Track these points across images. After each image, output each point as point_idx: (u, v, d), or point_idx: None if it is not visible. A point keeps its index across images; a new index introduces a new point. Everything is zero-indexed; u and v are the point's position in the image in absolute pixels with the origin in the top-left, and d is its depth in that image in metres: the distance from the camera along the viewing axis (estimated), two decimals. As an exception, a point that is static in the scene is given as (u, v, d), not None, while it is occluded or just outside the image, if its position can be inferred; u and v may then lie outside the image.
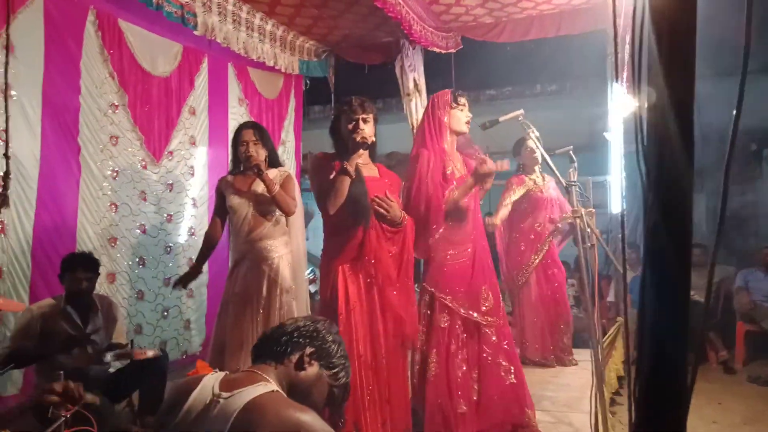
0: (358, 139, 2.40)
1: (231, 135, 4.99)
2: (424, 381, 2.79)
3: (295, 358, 1.43)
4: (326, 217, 2.51)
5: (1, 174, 3.13)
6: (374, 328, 2.48)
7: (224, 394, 1.29)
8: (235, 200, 3.14)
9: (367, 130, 2.49)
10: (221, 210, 3.25)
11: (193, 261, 4.53)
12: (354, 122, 2.48)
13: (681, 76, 0.79)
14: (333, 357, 1.48)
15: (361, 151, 2.51)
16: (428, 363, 2.78)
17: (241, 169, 3.19)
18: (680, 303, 0.77)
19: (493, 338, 2.83)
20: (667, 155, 0.77)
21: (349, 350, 2.37)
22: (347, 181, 2.39)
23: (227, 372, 1.41)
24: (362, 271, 2.49)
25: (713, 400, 4.49)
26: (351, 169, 2.40)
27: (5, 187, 3.00)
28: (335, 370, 1.48)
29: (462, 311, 2.78)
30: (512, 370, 2.83)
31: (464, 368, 2.77)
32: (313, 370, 1.44)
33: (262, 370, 1.40)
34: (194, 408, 1.30)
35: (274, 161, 3.22)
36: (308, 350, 1.45)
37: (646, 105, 0.82)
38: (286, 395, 1.36)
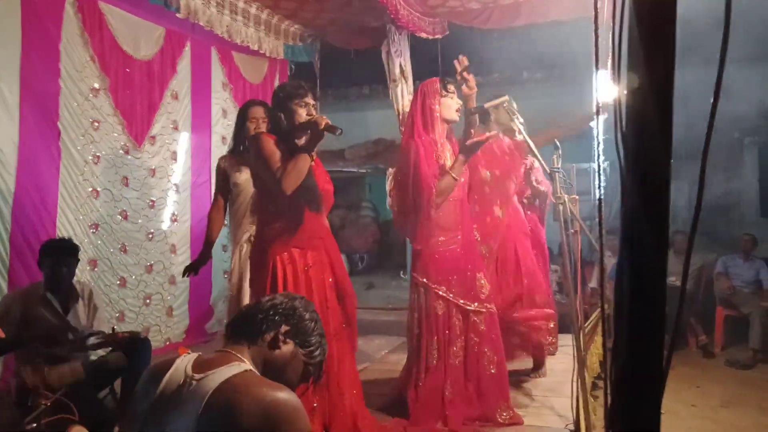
0: (323, 125, 2.33)
1: (214, 120, 4.99)
2: (419, 368, 2.81)
3: (269, 336, 1.41)
4: (267, 201, 2.47)
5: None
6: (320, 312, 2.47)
7: (197, 376, 1.28)
8: (241, 177, 3.09)
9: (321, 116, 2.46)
10: (223, 190, 3.18)
11: (176, 247, 4.54)
12: (307, 107, 2.44)
13: (661, 62, 0.78)
14: (309, 335, 1.47)
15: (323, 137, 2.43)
16: (422, 351, 2.81)
17: (242, 147, 3.11)
18: (657, 287, 0.78)
19: (482, 327, 2.86)
20: (645, 140, 0.77)
21: None
22: (308, 162, 2.35)
23: (200, 353, 1.40)
24: (301, 258, 2.47)
25: (692, 383, 4.59)
26: (314, 152, 2.39)
27: None
28: (311, 348, 1.47)
29: (458, 301, 2.81)
30: (495, 360, 2.86)
31: (456, 356, 2.80)
32: (288, 348, 1.43)
33: (236, 350, 1.38)
34: (167, 390, 1.29)
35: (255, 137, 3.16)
36: (283, 328, 1.44)
37: (625, 91, 0.81)
38: (260, 374, 1.36)
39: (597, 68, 1.04)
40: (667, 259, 0.79)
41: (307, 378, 1.49)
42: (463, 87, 2.92)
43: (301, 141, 2.44)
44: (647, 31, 0.78)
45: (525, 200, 3.83)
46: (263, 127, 2.98)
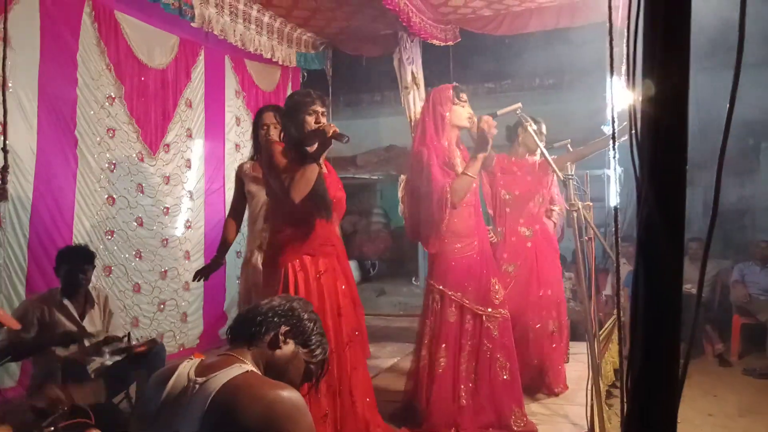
0: (331, 133, 2.33)
1: (227, 128, 5.04)
2: (432, 375, 2.81)
3: (269, 337, 1.42)
4: (279, 209, 2.48)
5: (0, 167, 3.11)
6: (330, 323, 2.45)
7: (200, 379, 1.30)
8: (253, 186, 3.09)
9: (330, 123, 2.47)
10: (240, 197, 3.19)
11: (190, 254, 4.58)
12: (316, 114, 2.44)
13: (676, 68, 0.78)
14: (309, 334, 1.48)
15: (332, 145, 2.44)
16: (437, 358, 2.80)
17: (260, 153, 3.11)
18: (673, 295, 0.77)
19: (495, 333, 2.85)
20: (660, 147, 0.77)
21: None
22: (317, 171, 2.36)
23: (203, 357, 1.41)
24: (313, 265, 2.47)
25: (709, 392, 4.52)
26: (323, 161, 2.40)
27: (4, 181, 2.98)
28: (311, 347, 1.48)
29: (474, 307, 2.81)
30: (508, 367, 2.85)
31: (469, 362, 2.80)
32: (288, 348, 1.44)
33: (238, 352, 1.40)
34: (172, 395, 1.31)
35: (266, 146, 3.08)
36: (283, 329, 1.45)
37: (640, 98, 0.81)
38: (262, 375, 1.37)
39: (612, 75, 1.04)
40: (683, 266, 0.78)
41: (309, 377, 1.50)
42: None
43: (312, 149, 2.46)
44: (661, 37, 0.78)
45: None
46: (274, 133, 2.98)
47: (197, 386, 1.29)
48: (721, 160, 0.78)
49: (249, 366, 1.35)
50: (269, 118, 3.07)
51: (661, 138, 0.77)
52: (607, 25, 1.09)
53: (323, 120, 2.47)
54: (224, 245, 3.21)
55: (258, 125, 3.12)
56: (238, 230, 3.26)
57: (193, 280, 3.27)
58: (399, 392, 3.26)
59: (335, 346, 2.50)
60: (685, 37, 0.77)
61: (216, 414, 1.22)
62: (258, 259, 3.06)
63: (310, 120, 2.44)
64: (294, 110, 2.48)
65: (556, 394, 3.39)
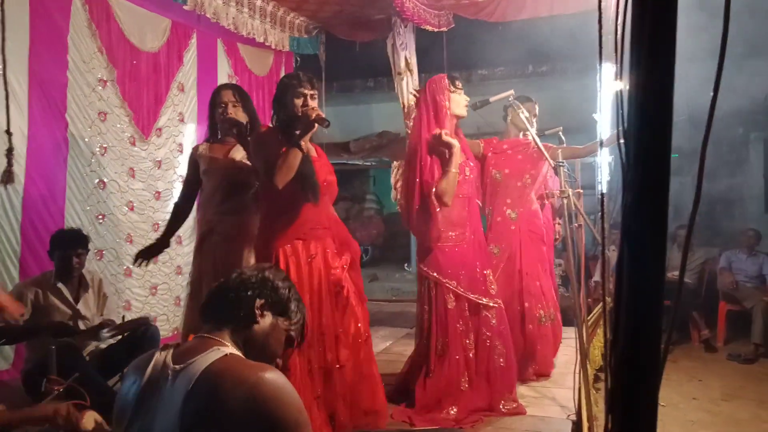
0: (313, 116, 2.34)
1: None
2: (429, 361, 2.86)
3: (246, 313, 1.36)
4: (269, 194, 2.47)
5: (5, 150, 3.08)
6: (323, 306, 2.48)
7: (177, 366, 1.25)
8: (209, 168, 2.88)
9: (314, 106, 2.45)
10: (194, 180, 2.97)
11: (182, 238, 4.58)
12: (303, 98, 2.43)
13: (662, 55, 0.80)
14: (285, 302, 1.42)
15: (316, 128, 2.42)
16: (435, 343, 2.85)
17: (218, 135, 2.94)
18: (656, 279, 0.80)
19: (493, 322, 2.90)
20: (646, 134, 0.79)
21: None
22: (299, 156, 2.34)
23: (178, 343, 1.37)
24: (304, 250, 2.48)
25: (694, 377, 4.61)
26: (305, 145, 2.37)
27: (9, 163, 2.95)
28: (290, 315, 1.43)
29: (468, 295, 2.84)
30: (505, 353, 2.91)
31: (468, 349, 2.84)
32: (266, 320, 1.39)
33: (214, 333, 1.34)
34: (150, 385, 1.27)
35: (256, 129, 2.85)
36: (258, 302, 1.38)
37: (628, 85, 0.83)
38: (242, 353, 1.32)
39: (601, 62, 1.06)
40: (666, 250, 0.81)
41: (291, 344, 1.46)
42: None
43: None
44: (649, 25, 0.80)
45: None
46: (233, 112, 2.80)
47: (176, 374, 1.24)
48: (704, 149, 0.81)
49: (228, 348, 1.29)
50: (227, 95, 2.85)
51: (647, 125, 0.79)
52: (598, 12, 1.10)
53: (311, 102, 2.45)
54: (172, 227, 3.02)
55: (215, 104, 2.89)
56: (188, 212, 3.09)
57: (135, 262, 2.99)
58: (391, 375, 3.31)
59: (333, 324, 2.52)
60: (672, 26, 0.79)
61: (197, 401, 1.18)
62: (209, 244, 2.83)
63: (298, 102, 2.43)
64: (282, 93, 2.49)
65: (547, 377, 3.44)
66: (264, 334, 1.38)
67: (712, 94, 0.77)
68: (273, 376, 1.21)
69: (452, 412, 2.77)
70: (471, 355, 2.85)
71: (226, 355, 1.25)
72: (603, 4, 1.05)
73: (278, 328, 1.41)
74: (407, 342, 4.16)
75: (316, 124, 2.36)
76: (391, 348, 4.25)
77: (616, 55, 0.85)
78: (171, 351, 1.31)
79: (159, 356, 1.31)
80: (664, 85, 0.79)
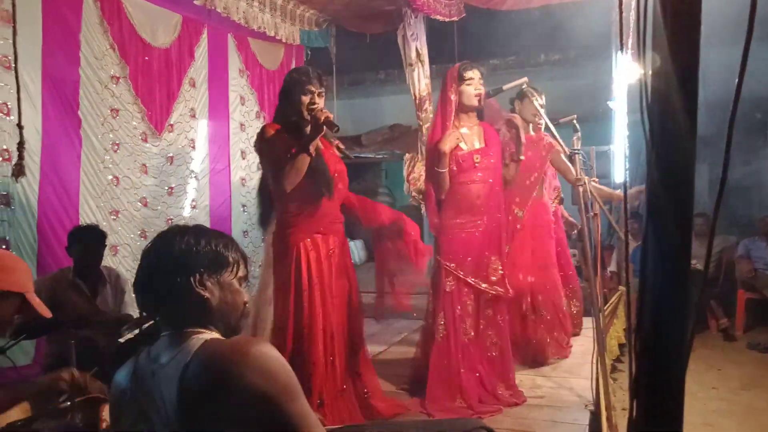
0: (323, 119, 2.31)
1: (232, 107, 5.02)
2: (431, 344, 2.87)
3: (189, 296, 1.22)
4: (282, 193, 2.43)
5: (16, 144, 3.11)
6: (340, 299, 2.51)
7: (161, 363, 1.19)
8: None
9: (321, 104, 2.43)
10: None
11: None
12: (311, 95, 2.40)
13: (686, 41, 0.78)
14: (220, 258, 1.26)
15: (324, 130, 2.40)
16: (435, 326, 2.86)
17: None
18: (680, 264, 0.79)
19: (489, 310, 2.89)
20: (670, 120, 0.77)
21: (313, 325, 2.39)
22: (308, 161, 2.33)
23: (156, 342, 1.28)
24: (324, 244, 2.49)
25: (713, 366, 4.56)
26: (313, 150, 2.35)
27: (21, 157, 2.98)
28: (230, 267, 1.27)
29: (468, 279, 2.83)
30: (499, 345, 2.90)
31: (465, 334, 2.84)
32: (214, 289, 1.24)
33: (181, 325, 1.23)
34: (137, 388, 1.22)
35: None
36: (194, 278, 1.22)
37: (650, 72, 0.82)
38: (216, 332, 1.24)
39: (622, 49, 1.04)
40: (691, 237, 0.79)
41: (245, 282, 1.34)
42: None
43: (308, 129, 2.44)
44: (672, 10, 0.78)
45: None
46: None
47: (160, 370, 1.18)
48: (730, 137, 0.79)
49: (205, 333, 1.21)
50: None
51: (670, 111, 0.78)
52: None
53: (318, 101, 2.42)
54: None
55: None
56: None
57: None
58: (405, 366, 3.32)
59: (348, 321, 2.54)
60: (697, 9, 0.77)
61: (189, 395, 1.11)
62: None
63: (305, 100, 2.41)
64: (290, 88, 2.47)
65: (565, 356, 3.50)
66: (220, 301, 1.25)
67: (737, 80, 0.75)
68: (258, 348, 1.13)
69: (461, 402, 2.77)
70: (467, 339, 2.84)
71: (206, 341, 1.18)
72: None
73: (229, 287, 1.27)
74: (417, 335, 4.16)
75: (325, 127, 2.35)
76: (406, 339, 4.26)
77: (638, 38, 0.83)
78: (149, 349, 1.24)
79: (141, 358, 1.25)
80: (689, 70, 0.77)
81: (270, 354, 1.14)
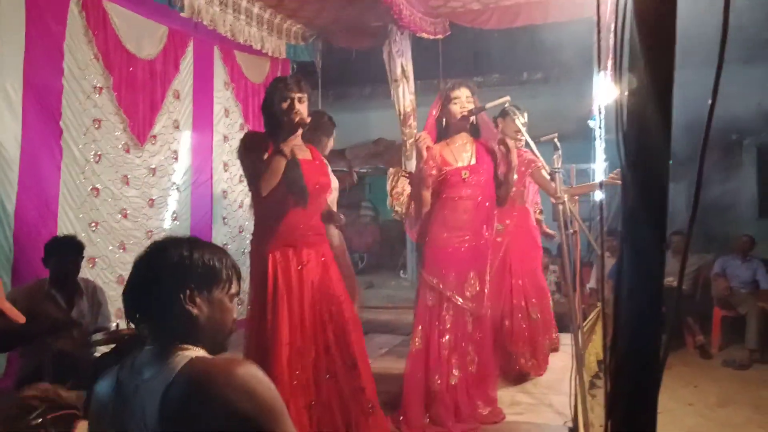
0: (296, 120, 2.33)
1: (216, 119, 5.01)
2: (409, 357, 2.88)
3: (177, 310, 1.20)
4: (259, 200, 2.45)
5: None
6: (309, 313, 2.47)
7: (144, 377, 1.17)
8: None
9: (303, 110, 2.42)
10: None
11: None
12: (289, 101, 2.40)
13: (662, 63, 0.81)
14: (212, 273, 1.24)
15: (299, 131, 2.43)
16: (413, 339, 2.86)
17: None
18: (655, 283, 0.80)
19: (469, 327, 2.89)
20: (645, 140, 0.80)
21: (276, 338, 2.36)
22: (283, 162, 2.33)
23: (139, 355, 1.26)
24: (295, 256, 2.46)
25: (689, 383, 4.62)
26: (287, 149, 2.34)
27: None
28: (222, 284, 1.25)
29: (447, 293, 2.83)
30: (476, 361, 2.89)
31: (443, 349, 2.82)
32: (203, 305, 1.23)
33: (167, 340, 1.21)
34: (117, 404, 1.20)
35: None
36: (184, 293, 1.21)
37: (626, 92, 0.84)
38: (202, 347, 1.23)
39: (599, 69, 1.07)
40: (665, 256, 0.81)
41: (235, 297, 1.32)
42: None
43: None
44: (648, 32, 0.81)
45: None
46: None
47: (143, 385, 1.16)
48: (703, 157, 0.81)
49: (190, 350, 1.19)
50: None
51: (645, 131, 0.80)
52: (595, 19, 1.11)
53: (298, 106, 2.41)
54: None
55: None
56: None
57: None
58: (386, 382, 3.30)
59: (332, 335, 2.50)
60: (671, 32, 0.80)
61: (170, 412, 1.10)
62: None
63: (284, 105, 2.41)
64: (269, 97, 2.48)
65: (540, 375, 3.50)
66: (208, 317, 1.23)
67: (710, 101, 0.77)
68: (243, 369, 1.13)
69: (431, 417, 2.76)
70: (446, 354, 2.82)
71: (192, 359, 1.16)
72: (599, 12, 1.06)
73: (219, 304, 1.25)
74: (403, 349, 4.14)
75: (300, 128, 2.36)
76: (386, 355, 4.24)
77: (614, 60, 0.85)
78: (133, 362, 1.22)
79: (121, 373, 1.23)
80: (662, 91, 0.79)
81: (256, 375, 1.14)
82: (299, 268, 2.47)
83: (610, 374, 0.86)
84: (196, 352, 1.20)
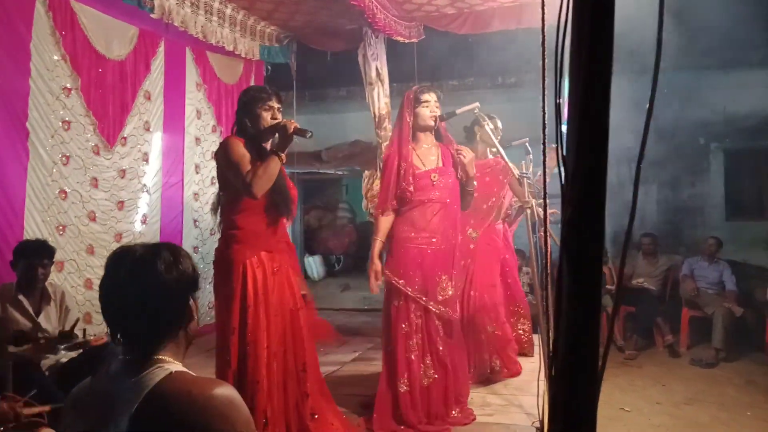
0: (292, 129, 2.33)
1: (187, 121, 4.96)
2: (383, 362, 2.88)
3: (181, 318, 1.23)
4: (235, 206, 2.43)
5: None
6: (284, 316, 2.49)
7: (120, 387, 1.16)
8: None
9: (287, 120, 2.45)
10: None
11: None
12: (272, 111, 2.44)
13: (598, 73, 0.82)
14: (194, 281, 1.25)
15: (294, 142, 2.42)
16: (383, 342, 2.89)
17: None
18: (593, 290, 0.82)
19: (440, 331, 2.89)
20: (583, 150, 0.81)
21: (257, 343, 2.38)
22: (279, 166, 2.35)
23: (113, 363, 1.25)
24: (270, 261, 2.48)
25: (658, 382, 4.71)
26: (284, 156, 2.36)
27: None
28: (197, 290, 1.26)
29: (414, 295, 2.83)
30: (445, 364, 2.88)
31: (413, 351, 2.83)
32: (193, 312, 1.27)
33: (145, 349, 1.20)
34: (91, 412, 1.19)
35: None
36: (192, 302, 1.25)
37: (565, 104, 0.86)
38: (182, 354, 1.24)
39: (544, 81, 1.09)
40: (602, 265, 0.83)
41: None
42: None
43: (268, 145, 2.46)
44: (586, 41, 0.82)
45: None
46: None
47: (119, 395, 1.14)
48: (639, 161, 0.83)
49: (171, 364, 1.18)
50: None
51: (583, 145, 0.82)
52: (552, 24, 1.13)
53: (279, 116, 2.46)
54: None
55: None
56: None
57: None
58: (360, 385, 3.31)
59: (292, 341, 2.52)
60: (609, 45, 0.82)
61: (145, 424, 1.10)
62: None
63: (266, 116, 2.43)
64: (250, 105, 2.47)
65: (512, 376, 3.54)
66: (188, 326, 1.25)
67: (647, 106, 0.79)
68: (222, 391, 1.14)
69: (400, 421, 2.77)
70: (413, 357, 2.82)
71: (171, 373, 1.16)
72: (548, 24, 1.08)
73: (193, 308, 1.27)
74: (378, 352, 4.15)
75: (295, 136, 2.36)
76: (361, 357, 4.25)
77: (555, 71, 0.87)
78: (109, 369, 1.22)
79: (96, 381, 1.23)
80: (600, 99, 0.81)
81: (232, 399, 1.15)
82: (273, 272, 2.49)
83: (548, 383, 0.87)
84: (175, 365, 1.19)
